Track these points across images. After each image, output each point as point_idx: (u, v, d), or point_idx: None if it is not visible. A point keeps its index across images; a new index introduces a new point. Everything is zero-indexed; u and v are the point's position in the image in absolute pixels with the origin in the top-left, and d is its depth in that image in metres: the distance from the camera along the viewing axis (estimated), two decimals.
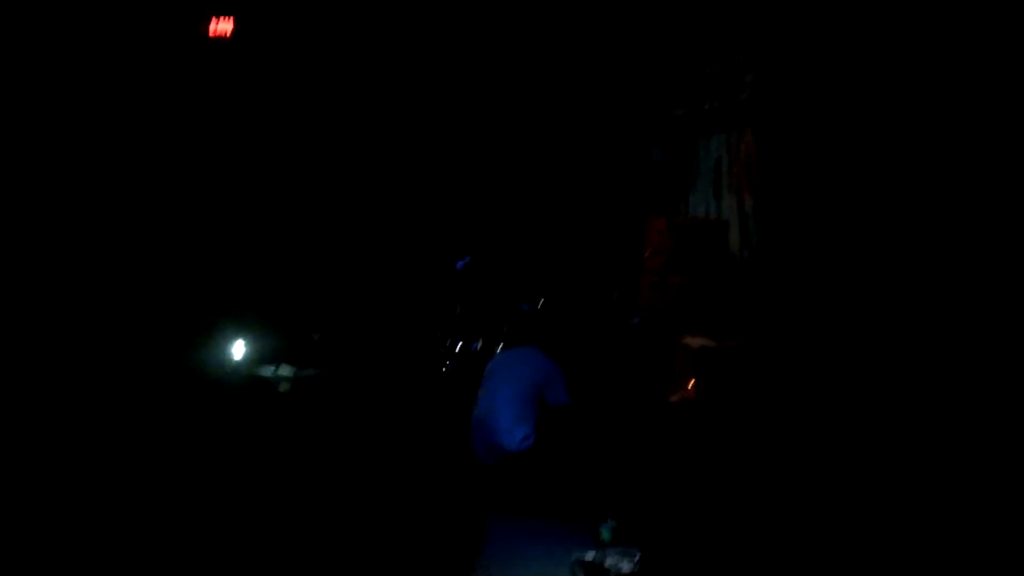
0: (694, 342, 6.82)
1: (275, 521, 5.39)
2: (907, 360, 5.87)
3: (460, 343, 8.09)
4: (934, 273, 5.85)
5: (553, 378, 6.07)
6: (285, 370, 7.77)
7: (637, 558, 4.94)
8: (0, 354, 6.90)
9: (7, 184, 7.83)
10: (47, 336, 7.35)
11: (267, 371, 7.75)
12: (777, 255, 7.35)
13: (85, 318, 7.67)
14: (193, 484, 5.71)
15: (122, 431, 6.27)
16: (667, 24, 8.95)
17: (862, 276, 6.33)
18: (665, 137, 9.19)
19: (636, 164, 9.55)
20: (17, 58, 8.02)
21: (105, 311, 7.81)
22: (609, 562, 4.94)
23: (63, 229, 8.05)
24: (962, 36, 5.70)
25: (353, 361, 8.05)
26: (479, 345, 8.01)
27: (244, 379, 7.60)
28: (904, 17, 6.09)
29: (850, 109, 6.63)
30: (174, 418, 6.54)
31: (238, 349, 7.81)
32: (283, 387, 7.53)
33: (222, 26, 8.92)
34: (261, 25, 9.08)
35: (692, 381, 6.67)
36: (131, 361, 7.31)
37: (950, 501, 4.94)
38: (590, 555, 4.98)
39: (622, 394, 6.85)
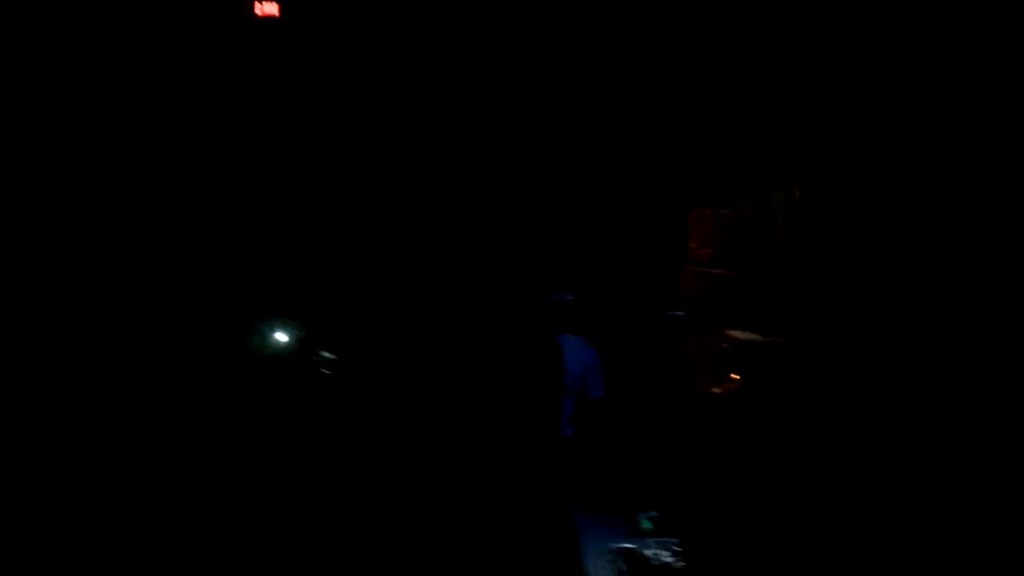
0: (739, 336, 6.77)
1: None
2: (960, 360, 5.77)
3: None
4: (994, 276, 5.75)
5: (597, 371, 6.08)
6: (328, 354, 7.83)
7: (677, 549, 4.93)
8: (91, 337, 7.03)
9: (66, 175, 7.93)
10: (130, 319, 7.50)
11: (313, 355, 7.83)
12: (826, 249, 7.26)
13: (159, 306, 7.78)
14: (250, 459, 5.79)
15: (188, 406, 6.39)
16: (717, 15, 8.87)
17: (916, 274, 6.24)
18: (712, 127, 9.12)
19: (681, 154, 9.48)
20: (68, 39, 8.11)
21: (169, 299, 7.92)
22: (649, 551, 4.93)
23: (128, 221, 8.15)
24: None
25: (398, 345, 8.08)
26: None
27: (291, 362, 7.69)
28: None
29: (903, 100, 6.52)
30: (231, 396, 6.64)
31: (284, 334, 7.90)
32: (326, 370, 7.60)
33: (268, 7, 8.95)
34: (307, 5, 9.10)
35: (736, 375, 6.62)
36: (194, 345, 7.42)
37: (1007, 501, 4.87)
38: (630, 544, 4.97)
39: (664, 386, 6.83)
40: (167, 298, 7.83)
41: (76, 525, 5.52)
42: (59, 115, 8.01)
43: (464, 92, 9.51)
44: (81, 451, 6.05)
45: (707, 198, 8.78)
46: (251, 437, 6.29)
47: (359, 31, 9.26)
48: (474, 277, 8.86)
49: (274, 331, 7.91)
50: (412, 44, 9.46)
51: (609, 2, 9.25)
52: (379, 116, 9.58)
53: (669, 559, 4.88)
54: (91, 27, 8.18)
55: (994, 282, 5.66)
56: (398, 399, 7.09)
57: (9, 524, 5.51)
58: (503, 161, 9.64)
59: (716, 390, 6.70)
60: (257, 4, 8.92)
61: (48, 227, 7.71)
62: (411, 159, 9.65)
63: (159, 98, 8.53)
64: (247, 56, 8.94)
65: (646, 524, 5.15)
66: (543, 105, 9.55)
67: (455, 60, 9.56)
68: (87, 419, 6.37)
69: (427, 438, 6.37)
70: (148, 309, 7.66)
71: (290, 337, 7.95)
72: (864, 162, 6.83)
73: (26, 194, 7.64)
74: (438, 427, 6.53)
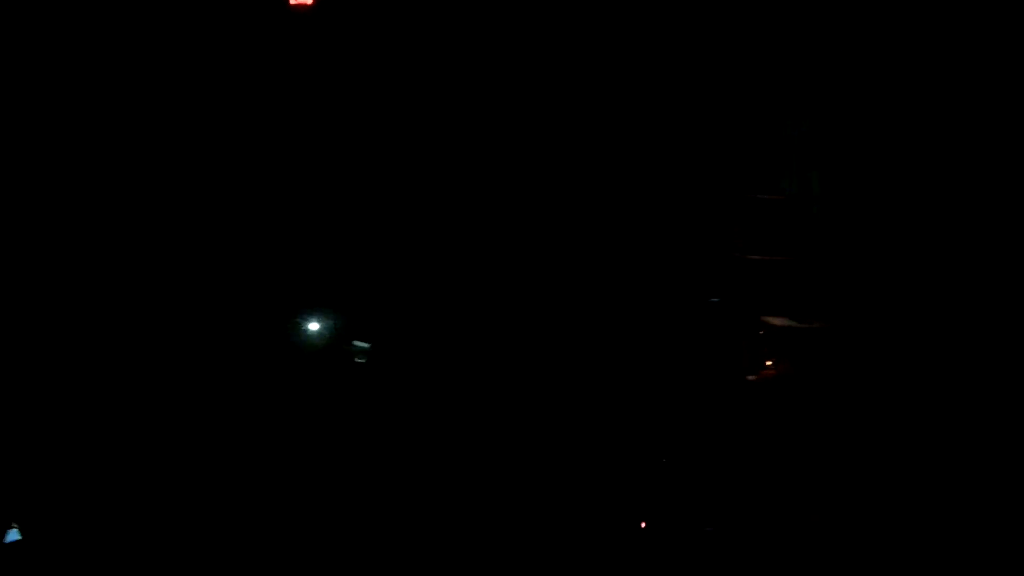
0: (777, 322, 6.72)
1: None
2: (998, 346, 5.71)
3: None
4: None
5: None
6: (362, 344, 7.86)
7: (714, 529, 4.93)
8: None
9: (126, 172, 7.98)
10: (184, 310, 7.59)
11: (347, 344, 7.86)
12: (864, 236, 7.18)
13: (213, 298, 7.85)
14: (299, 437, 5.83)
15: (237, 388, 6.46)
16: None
17: (957, 260, 6.16)
18: (753, 115, 9.02)
19: (721, 143, 9.39)
20: (114, 27, 8.14)
21: (210, 291, 7.97)
22: None
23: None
24: None
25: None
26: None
27: (327, 351, 7.72)
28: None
29: (939, 92, 6.45)
30: (269, 384, 6.70)
31: (321, 324, 7.93)
32: (360, 359, 7.62)
33: None
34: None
35: (774, 360, 6.57)
36: (242, 333, 7.49)
37: None
38: None
39: (702, 371, 6.78)
40: (208, 290, 7.87)
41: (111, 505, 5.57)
42: (113, 107, 8.06)
43: (510, 94, 9.44)
44: (120, 434, 6.10)
45: (750, 182, 8.68)
46: (288, 424, 6.32)
47: (395, 20, 9.22)
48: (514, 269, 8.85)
49: (310, 321, 7.93)
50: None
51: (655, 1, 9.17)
52: (425, 109, 9.53)
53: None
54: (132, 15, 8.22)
55: None
56: (432, 388, 7.10)
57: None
58: (544, 153, 9.59)
59: (754, 376, 6.66)
60: None
61: (93, 220, 7.78)
62: (455, 154, 9.59)
63: (203, 92, 8.55)
64: (287, 46, 8.93)
65: None
66: (588, 97, 9.49)
67: (514, 57, 9.46)
68: (131, 403, 6.42)
69: (462, 429, 6.38)
70: (191, 301, 7.71)
71: (325, 327, 7.96)
72: (903, 151, 6.76)
73: (72, 187, 7.71)
74: (480, 418, 6.54)
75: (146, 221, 8.03)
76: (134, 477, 5.76)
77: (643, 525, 5.29)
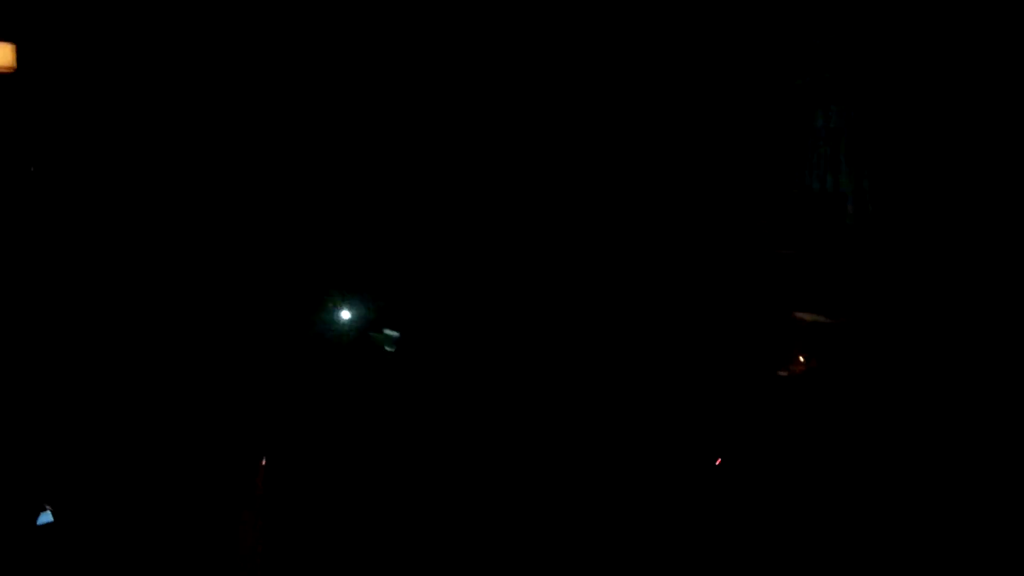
0: (805, 317, 6.70)
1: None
2: None
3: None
4: None
5: None
6: (391, 332, 7.89)
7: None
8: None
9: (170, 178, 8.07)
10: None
11: (375, 333, 7.89)
12: (894, 231, 7.15)
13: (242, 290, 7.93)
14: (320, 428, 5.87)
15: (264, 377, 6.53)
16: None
17: (991, 257, 6.12)
18: (781, 107, 8.98)
19: (748, 135, 9.36)
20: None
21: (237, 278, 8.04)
22: None
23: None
24: None
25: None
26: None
27: (354, 340, 7.76)
28: None
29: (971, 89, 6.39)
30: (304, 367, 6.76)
31: (348, 312, 7.98)
32: (389, 348, 7.67)
33: None
34: None
35: (802, 357, 6.56)
36: (261, 322, 7.55)
37: None
38: None
39: (729, 368, 6.77)
40: (235, 277, 7.94)
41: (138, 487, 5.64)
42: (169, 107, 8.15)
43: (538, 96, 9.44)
44: (148, 420, 6.17)
45: (780, 178, 8.66)
46: (315, 413, 6.37)
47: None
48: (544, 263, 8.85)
49: (338, 309, 7.98)
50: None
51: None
52: (463, 96, 9.54)
53: None
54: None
55: None
56: (462, 378, 7.12)
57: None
58: (578, 146, 9.59)
59: (782, 372, 6.65)
60: None
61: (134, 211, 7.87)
62: (491, 144, 9.61)
63: (241, 81, 8.60)
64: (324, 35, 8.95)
65: None
66: (613, 93, 9.48)
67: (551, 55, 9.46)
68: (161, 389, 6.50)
69: (494, 420, 6.39)
70: (219, 287, 7.78)
71: (353, 315, 8.00)
72: (933, 145, 6.72)
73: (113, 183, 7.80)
74: (506, 409, 6.56)
75: (178, 211, 8.12)
76: (165, 461, 5.82)
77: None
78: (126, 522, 5.51)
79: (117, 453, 5.93)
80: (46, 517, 5.83)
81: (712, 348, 6.92)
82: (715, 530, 5.18)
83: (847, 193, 7.74)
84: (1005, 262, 5.89)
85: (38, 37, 7.94)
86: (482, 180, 9.49)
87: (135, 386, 6.55)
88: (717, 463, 5.46)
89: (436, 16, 8.98)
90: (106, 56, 8.09)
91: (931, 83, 6.76)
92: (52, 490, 5.65)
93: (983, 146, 6.23)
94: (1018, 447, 5.15)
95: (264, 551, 5.37)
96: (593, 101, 9.58)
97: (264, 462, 5.71)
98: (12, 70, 8.06)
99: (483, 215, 9.49)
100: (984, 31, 6.22)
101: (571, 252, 8.39)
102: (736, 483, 5.42)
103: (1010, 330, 5.74)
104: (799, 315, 6.79)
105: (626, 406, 5.91)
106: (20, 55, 8.08)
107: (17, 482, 5.65)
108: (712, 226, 8.92)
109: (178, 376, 6.69)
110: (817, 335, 6.62)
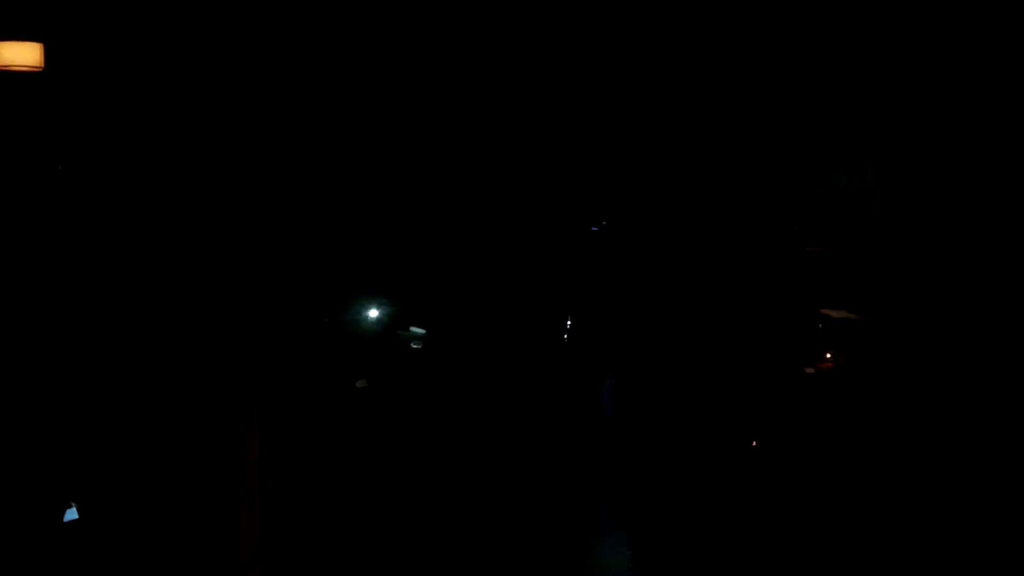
0: (834, 314, 6.68)
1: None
2: None
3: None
4: None
5: None
6: (417, 330, 7.91)
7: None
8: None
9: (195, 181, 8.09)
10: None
11: (402, 331, 7.92)
12: (924, 229, 7.12)
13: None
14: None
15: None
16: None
17: (1016, 256, 6.08)
18: (810, 107, 8.97)
19: (778, 135, 9.34)
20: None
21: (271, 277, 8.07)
22: None
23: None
24: None
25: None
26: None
27: (382, 337, 7.79)
28: None
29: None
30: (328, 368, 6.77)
31: (376, 312, 8.01)
32: (415, 344, 7.69)
33: None
34: None
35: (832, 353, 6.53)
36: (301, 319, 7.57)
37: None
38: None
39: (759, 363, 6.76)
40: (269, 276, 7.97)
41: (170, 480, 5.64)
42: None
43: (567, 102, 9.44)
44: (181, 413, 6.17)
45: (807, 176, 8.63)
46: (347, 408, 6.38)
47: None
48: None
49: (367, 307, 8.01)
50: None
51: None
52: (491, 95, 9.54)
53: None
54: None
55: None
56: (487, 373, 7.13)
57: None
58: (605, 146, 9.59)
59: (810, 368, 6.62)
60: None
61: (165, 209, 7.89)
62: (515, 141, 9.60)
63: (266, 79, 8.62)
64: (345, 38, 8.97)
65: None
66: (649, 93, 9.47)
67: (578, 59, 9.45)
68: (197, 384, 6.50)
69: (517, 412, 6.39)
70: (254, 286, 7.81)
71: (383, 313, 8.04)
72: (957, 144, 6.69)
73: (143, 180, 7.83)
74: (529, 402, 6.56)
75: (205, 209, 8.14)
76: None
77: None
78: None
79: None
80: (72, 514, 5.82)
81: (743, 344, 6.91)
82: (747, 520, 5.16)
83: (875, 192, 7.71)
84: None
85: (64, 37, 7.99)
86: (511, 185, 9.51)
87: (158, 382, 6.56)
88: (752, 445, 5.44)
89: (463, 26, 9.02)
90: (129, 56, 8.12)
91: (958, 84, 6.74)
92: (73, 487, 5.66)
93: (1012, 147, 6.20)
94: None
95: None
96: (621, 105, 9.59)
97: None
98: (40, 69, 8.11)
99: (512, 217, 9.50)
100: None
101: (603, 251, 8.40)
102: (766, 474, 5.40)
103: None
104: (827, 311, 6.77)
105: (659, 399, 5.91)
106: (47, 54, 8.12)
107: (35, 479, 5.67)
108: (743, 224, 8.91)
109: (204, 373, 6.70)
110: (845, 331, 6.59)
